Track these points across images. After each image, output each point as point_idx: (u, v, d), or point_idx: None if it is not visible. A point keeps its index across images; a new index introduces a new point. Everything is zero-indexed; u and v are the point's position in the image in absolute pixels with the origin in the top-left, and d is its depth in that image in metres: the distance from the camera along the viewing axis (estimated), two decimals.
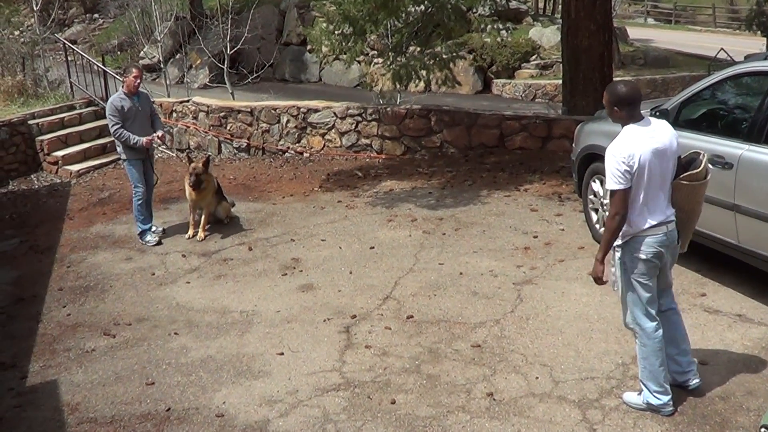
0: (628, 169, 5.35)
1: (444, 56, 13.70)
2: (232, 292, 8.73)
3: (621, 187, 5.38)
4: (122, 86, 10.48)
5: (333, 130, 14.93)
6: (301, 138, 15.28)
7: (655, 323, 5.70)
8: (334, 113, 14.91)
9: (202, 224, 10.69)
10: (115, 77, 17.76)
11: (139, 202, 10.59)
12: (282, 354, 7.06)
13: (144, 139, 10.30)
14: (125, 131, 10.24)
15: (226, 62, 19.59)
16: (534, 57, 24.76)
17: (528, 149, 13.41)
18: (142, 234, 10.70)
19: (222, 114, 16.08)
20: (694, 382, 5.99)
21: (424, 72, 13.63)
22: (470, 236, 9.80)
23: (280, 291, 8.61)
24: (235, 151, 15.96)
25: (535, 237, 9.55)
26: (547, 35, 25.25)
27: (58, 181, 15.41)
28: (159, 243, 10.61)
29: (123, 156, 10.57)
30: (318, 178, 13.52)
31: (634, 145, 5.39)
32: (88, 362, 7.26)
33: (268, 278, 9.04)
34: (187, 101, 16.94)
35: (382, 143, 14.54)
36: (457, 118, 14.04)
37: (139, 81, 10.45)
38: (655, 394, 5.75)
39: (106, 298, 8.88)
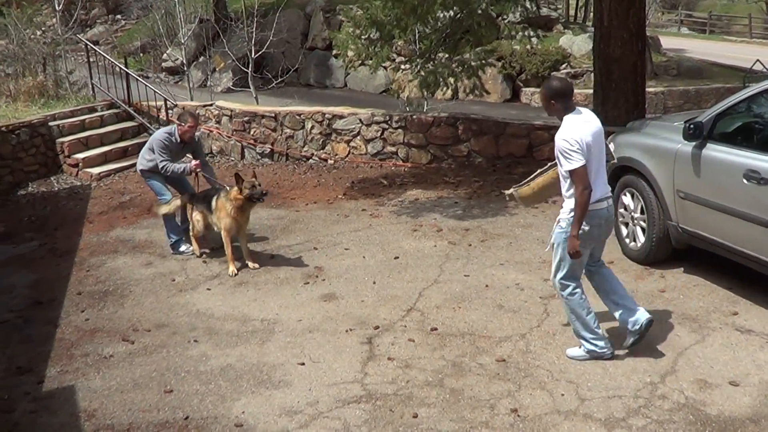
0: (579, 148, 6.20)
1: (473, 63, 13.70)
2: (254, 299, 8.76)
3: (582, 163, 6.20)
4: (175, 128, 10.40)
5: (358, 137, 14.97)
6: (326, 144, 15.33)
7: (576, 283, 6.70)
8: (360, 120, 14.95)
9: (248, 253, 9.99)
10: (137, 79, 17.88)
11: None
12: (303, 364, 7.08)
13: (192, 164, 10.29)
14: (171, 165, 10.25)
15: (250, 66, 19.68)
16: (564, 66, 24.67)
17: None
18: (176, 245, 10.62)
19: (246, 118, 16.16)
20: (647, 316, 6.75)
21: (452, 79, 13.64)
22: (497, 248, 9.80)
23: (302, 300, 8.64)
24: (259, 157, 16.04)
25: None
26: (578, 43, 25.17)
27: (78, 183, 15.52)
28: (201, 255, 10.43)
29: (141, 170, 10.62)
30: (342, 186, 13.57)
31: (578, 130, 6.29)
32: (106, 368, 7.30)
33: (290, 286, 9.08)
34: (211, 105, 17.05)
35: (408, 151, 14.56)
36: (485, 127, 14.04)
37: (193, 132, 10.44)
38: (592, 341, 6.69)
39: (125, 304, 8.94)
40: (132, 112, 17.84)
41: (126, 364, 7.37)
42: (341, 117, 15.17)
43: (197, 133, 10.78)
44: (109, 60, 19.11)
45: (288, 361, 7.17)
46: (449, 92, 16.14)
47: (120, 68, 18.62)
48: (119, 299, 9.09)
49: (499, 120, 14.16)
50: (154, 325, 8.23)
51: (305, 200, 12.82)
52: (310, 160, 15.43)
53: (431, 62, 14.00)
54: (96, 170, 15.78)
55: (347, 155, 15.11)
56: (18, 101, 18.14)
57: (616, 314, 6.90)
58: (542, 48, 24.42)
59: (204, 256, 10.35)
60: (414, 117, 14.59)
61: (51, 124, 16.38)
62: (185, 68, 22.67)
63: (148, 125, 17.25)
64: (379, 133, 14.76)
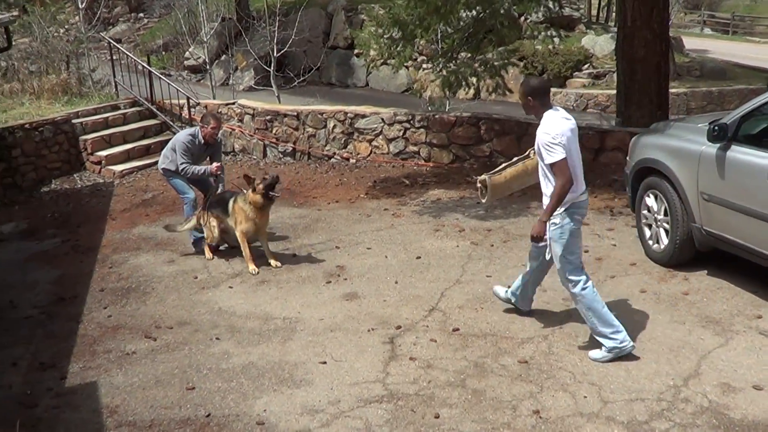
0: (561, 142, 6.45)
1: (495, 63, 13.68)
2: (275, 298, 8.78)
3: (563, 156, 6.45)
4: (197, 130, 10.52)
5: (380, 137, 14.98)
6: (348, 143, 15.34)
7: (585, 276, 6.87)
8: (382, 119, 14.95)
9: (270, 252, 10.00)
10: (160, 77, 17.94)
11: (191, 206, 10.67)
12: (325, 363, 7.09)
13: (213, 166, 10.39)
14: (191, 166, 10.35)
15: (272, 65, 19.73)
16: (586, 66, 24.65)
17: None
18: (198, 243, 10.63)
19: (268, 117, 16.20)
20: (528, 308, 7.78)
21: (474, 79, 13.64)
22: (519, 248, 9.77)
23: (324, 299, 8.65)
24: (281, 156, 16.07)
25: (586, 252, 9.43)
26: (600, 44, 25.14)
27: (101, 181, 15.60)
28: (212, 258, 10.37)
29: (163, 169, 10.68)
30: (364, 185, 13.59)
31: (558, 125, 6.55)
32: (128, 365, 7.34)
33: (311, 285, 9.10)
34: (233, 104, 17.09)
35: (430, 151, 14.55)
36: (507, 127, 13.99)
37: (216, 133, 10.54)
38: (611, 336, 6.72)
39: (147, 301, 8.99)
40: (155, 110, 17.90)
41: (148, 360, 7.41)
42: (363, 116, 15.18)
43: (219, 134, 10.81)
44: (132, 58, 19.17)
45: (310, 359, 7.19)
46: (471, 92, 16.14)
47: (143, 66, 18.69)
48: (141, 296, 9.14)
49: (522, 120, 14.08)
50: (177, 323, 8.27)
51: (327, 199, 12.84)
52: (332, 159, 15.45)
53: (453, 62, 14.01)
54: (119, 168, 15.85)
55: (369, 154, 15.12)
56: (41, 99, 18.26)
57: (519, 279, 7.68)
58: (564, 48, 24.41)
59: (222, 252, 10.39)
60: (436, 116, 14.58)
61: (74, 121, 16.48)
62: (207, 67, 22.72)
63: (171, 123, 17.31)
64: (401, 133, 14.76)
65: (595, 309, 6.78)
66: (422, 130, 14.59)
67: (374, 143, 15.09)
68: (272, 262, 9.84)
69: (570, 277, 6.84)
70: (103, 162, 16.01)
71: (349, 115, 15.33)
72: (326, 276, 9.34)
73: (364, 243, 10.44)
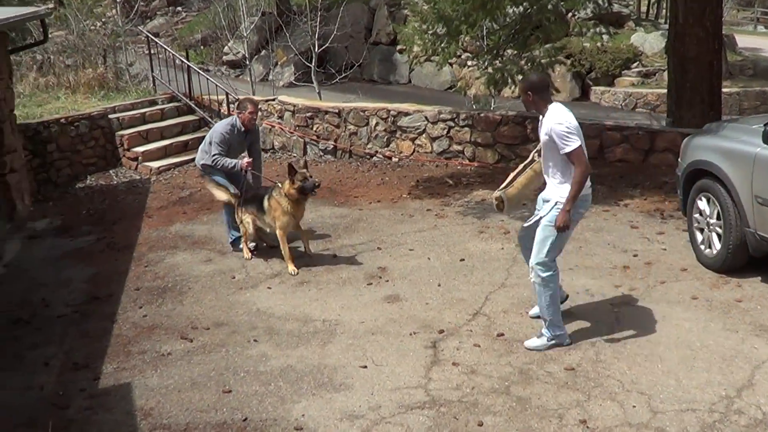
0: (575, 131, 6.70)
1: (542, 61, 13.59)
2: (315, 299, 8.78)
3: (579, 143, 6.69)
4: (235, 119, 10.47)
5: (424, 135, 14.94)
6: (390, 142, 15.33)
7: (556, 266, 7.17)
8: (426, 117, 14.92)
9: (307, 243, 10.22)
10: (198, 72, 18.02)
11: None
12: (365, 367, 7.07)
13: (244, 161, 10.31)
14: (223, 158, 10.27)
15: (313, 60, 19.72)
16: (635, 64, 24.46)
17: (629, 162, 13.20)
18: (236, 242, 10.63)
19: (308, 114, 16.22)
20: (564, 295, 7.82)
21: (520, 77, 13.54)
22: (566, 252, 9.60)
23: (365, 301, 8.64)
24: (321, 153, 16.09)
25: (635, 256, 9.39)
26: (650, 41, 24.93)
27: (138, 177, 15.69)
28: (251, 257, 10.37)
29: (202, 165, 10.63)
30: (407, 185, 13.56)
31: (568, 114, 6.81)
32: (163, 366, 7.36)
33: (352, 287, 9.08)
34: (273, 100, 17.13)
35: (474, 150, 14.50)
36: None
37: (255, 117, 10.52)
38: (559, 326, 7.21)
39: (184, 301, 9.02)
40: (193, 105, 18.00)
41: (184, 362, 7.43)
42: (406, 114, 15.15)
43: (257, 124, 10.81)
44: (170, 52, 19.26)
45: (350, 363, 7.17)
46: (517, 90, 16.04)
47: (181, 61, 18.78)
48: (178, 296, 9.18)
49: None
50: (214, 324, 8.29)
51: (368, 199, 12.83)
52: (374, 158, 15.45)
53: (499, 59, 13.94)
54: (155, 164, 15.94)
55: (412, 153, 15.09)
56: (78, 93, 18.40)
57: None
58: (613, 45, 24.24)
59: (261, 252, 10.39)
60: (481, 115, 14.51)
61: (111, 116, 16.59)
62: (247, 62, 22.80)
63: (209, 119, 17.37)
64: (445, 131, 14.71)
65: (554, 298, 7.17)
66: (467, 128, 14.54)
67: (417, 142, 15.06)
68: (308, 250, 10.16)
69: (549, 262, 7.07)
70: (139, 158, 16.11)
71: (391, 112, 15.33)
72: (367, 277, 9.32)
73: (406, 244, 10.41)
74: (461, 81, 24.29)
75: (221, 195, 10.40)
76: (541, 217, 7.11)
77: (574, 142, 6.67)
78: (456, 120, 14.64)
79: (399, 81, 27.03)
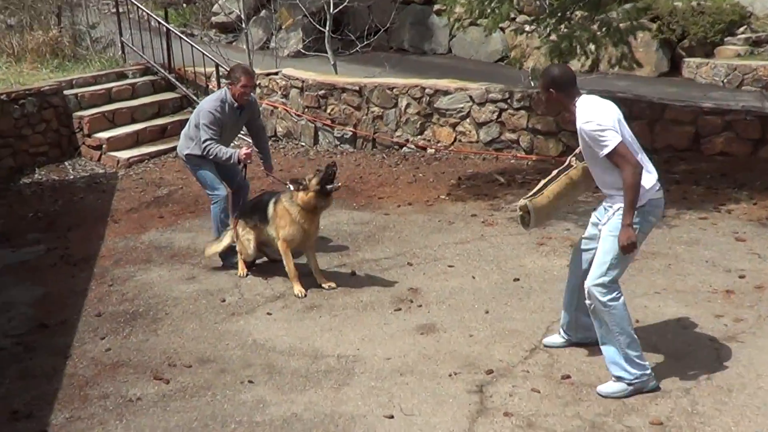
0: (610, 125, 6.72)
1: (620, 25, 13.53)
2: (328, 329, 8.75)
3: (619, 139, 6.68)
4: (225, 92, 10.43)
5: (467, 120, 14.94)
6: (425, 128, 15.33)
7: (620, 288, 7.13)
8: (470, 97, 14.93)
9: (318, 270, 10.01)
10: (180, 37, 18.02)
11: (222, 207, 10.63)
12: (392, 417, 7.04)
13: (242, 151, 10.21)
14: (217, 146, 10.20)
15: (327, 24, 19.72)
16: (742, 29, 24.26)
17: (733, 155, 13.16)
18: (226, 254, 10.64)
19: (321, 92, 16.25)
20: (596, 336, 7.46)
21: (592, 46, 13.54)
22: (650, 271, 9.64)
23: (392, 331, 8.61)
24: (337, 142, 16.12)
25: (742, 277, 9.33)
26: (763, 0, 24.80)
27: (101, 171, 15.76)
28: (246, 275, 10.39)
29: (186, 155, 10.64)
30: (445, 183, 13.58)
31: (599, 108, 6.87)
32: (131, 415, 7.34)
33: (375, 313, 9.07)
34: (276, 74, 17.18)
35: (532, 139, 14.50)
36: (636, 109, 13.84)
37: (249, 91, 10.45)
38: (638, 361, 7.07)
39: (159, 330, 9.02)
40: (173, 80, 18.06)
41: (158, 410, 7.41)
42: (446, 93, 15.16)
43: (253, 95, 10.81)
44: (144, 11, 19.27)
45: (372, 411, 7.14)
46: (588, 63, 15.96)
47: (158, 23, 18.79)
48: (151, 324, 9.17)
49: (655, 101, 13.96)
50: (197, 360, 8.27)
51: (397, 201, 12.85)
52: (404, 149, 15.46)
53: (565, 23, 13.90)
54: (125, 154, 15.99)
55: (453, 143, 15.09)
56: (23, 62, 18.45)
57: (570, 311, 7.89)
58: (713, 5, 24.01)
59: (259, 267, 10.38)
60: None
61: (67, 93, 16.66)
62: (242, 25, 22.81)
63: (194, 98, 17.42)
64: (495, 115, 14.71)
65: (624, 328, 7.07)
66: (523, 112, 14.53)
67: (459, 128, 15.06)
68: (324, 284, 9.83)
69: (610, 283, 7.03)
70: (103, 146, 16.16)
71: (427, 91, 15.34)
72: (395, 302, 9.31)
73: (444, 259, 10.41)
74: (516, 51, 24.27)
75: (216, 248, 10.50)
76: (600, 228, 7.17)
77: (611, 140, 6.69)
78: (509, 101, 14.65)
79: (436, 50, 27.02)
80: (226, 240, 10.39)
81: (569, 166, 7.65)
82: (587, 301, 7.17)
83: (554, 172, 7.69)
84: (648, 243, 10.34)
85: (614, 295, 7.03)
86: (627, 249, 6.83)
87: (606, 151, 6.69)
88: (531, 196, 7.55)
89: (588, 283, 7.11)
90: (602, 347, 7.24)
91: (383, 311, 9.10)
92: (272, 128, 16.77)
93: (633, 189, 6.70)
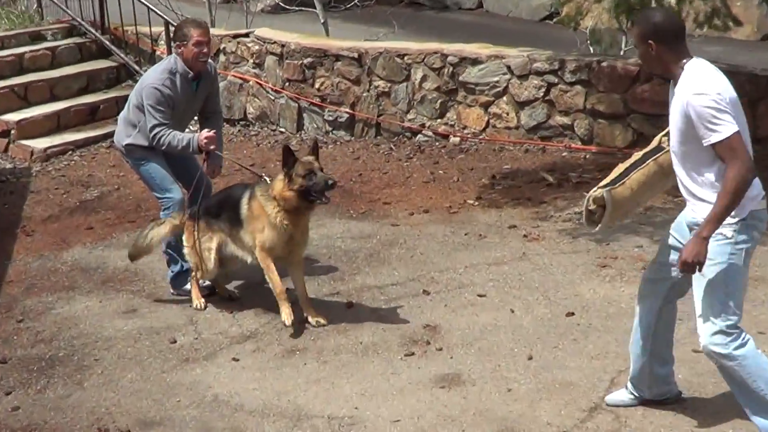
0: (728, 106, 6.46)
1: None
2: (315, 381, 8.72)
3: (736, 128, 6.41)
4: (175, 59, 10.28)
5: (504, 99, 14.96)
6: (447, 110, 15.36)
7: (743, 329, 6.91)
8: (508, 68, 14.96)
9: (306, 299, 9.91)
10: None
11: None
12: None
13: (202, 135, 10.07)
14: (169, 132, 10.04)
15: None
16: None
17: None
18: (177, 278, 10.63)
19: (307, 60, 16.28)
20: (676, 391, 7.78)
21: (672, 0, 13.51)
22: (751, 303, 9.59)
23: (402, 383, 8.57)
24: (328, 128, 16.15)
25: None
26: None
27: (8, 166, 15.75)
28: (205, 306, 10.33)
29: (126, 146, 10.53)
30: (474, 183, 13.61)
31: (717, 79, 6.64)
32: None
33: (379, 359, 9.05)
34: (246, 35, 17.21)
35: (592, 125, 14.51)
36: (733, 84, 13.77)
37: (206, 51, 10.25)
38: None
39: (85, 382, 8.99)
40: (107, 43, 18.12)
41: None
42: (475, 62, 15.19)
43: (211, 60, 10.71)
44: None
45: None
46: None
47: None
48: (75, 373, 9.15)
49: (759, 73, 13.94)
50: (137, 422, 8.22)
51: (409, 206, 12.87)
52: (419, 136, 15.49)
53: None
54: (41, 143, 16.01)
55: (484, 129, 15.12)
56: None
57: (642, 360, 7.74)
58: None
59: (225, 302, 10.36)
60: (604, 64, 14.48)
61: None
62: None
63: (136, 67, 17.42)
64: (541, 92, 14.73)
65: (764, 376, 6.83)
66: (579, 87, 14.54)
67: (493, 110, 15.07)
68: (311, 317, 9.78)
69: (727, 329, 6.80)
70: (12, 132, 16.18)
71: (449, 59, 15.36)
72: (406, 343, 9.29)
73: (473, 286, 10.39)
74: (569, 6, 24.29)
75: (161, 231, 10.37)
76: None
77: (727, 127, 6.39)
78: (560, 73, 14.66)
79: (462, 5, 27.12)
80: (165, 227, 10.25)
81: (659, 149, 7.45)
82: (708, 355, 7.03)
83: (638, 155, 7.55)
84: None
85: (739, 341, 6.80)
86: (687, 268, 6.66)
87: (716, 138, 6.39)
88: (609, 184, 7.33)
89: (703, 341, 6.91)
90: (753, 420, 6.99)
91: (390, 356, 9.07)
92: (241, 108, 16.77)
93: (735, 195, 6.42)
